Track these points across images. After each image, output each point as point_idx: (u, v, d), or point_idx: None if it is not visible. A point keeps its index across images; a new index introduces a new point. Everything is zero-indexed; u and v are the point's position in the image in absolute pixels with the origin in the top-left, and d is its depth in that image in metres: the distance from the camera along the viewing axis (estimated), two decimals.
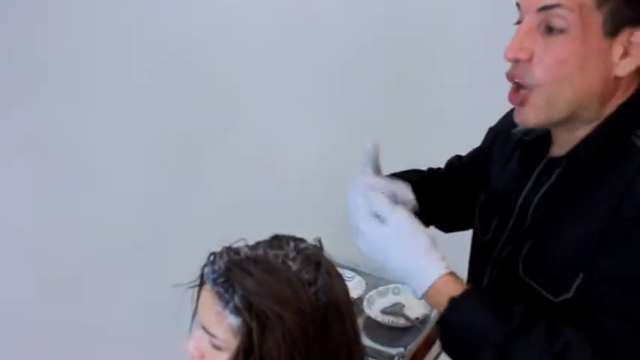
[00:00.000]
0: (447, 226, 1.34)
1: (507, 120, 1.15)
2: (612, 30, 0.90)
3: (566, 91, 0.93)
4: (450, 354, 1.02)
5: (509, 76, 0.97)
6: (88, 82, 1.53)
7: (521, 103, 0.96)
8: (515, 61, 0.94)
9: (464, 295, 0.94)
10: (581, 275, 0.93)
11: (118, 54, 1.57)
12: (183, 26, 1.67)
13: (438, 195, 1.28)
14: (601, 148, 0.95)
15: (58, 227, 1.54)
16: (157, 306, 1.53)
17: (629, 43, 0.91)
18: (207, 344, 0.92)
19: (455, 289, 0.94)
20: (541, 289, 0.98)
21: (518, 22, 0.96)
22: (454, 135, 2.22)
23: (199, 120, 1.76)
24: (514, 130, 1.08)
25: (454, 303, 0.94)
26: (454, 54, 2.27)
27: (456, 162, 1.36)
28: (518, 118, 0.99)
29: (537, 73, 0.93)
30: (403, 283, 1.02)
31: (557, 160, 1.01)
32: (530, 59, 0.93)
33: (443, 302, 0.94)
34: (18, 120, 1.44)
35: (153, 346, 1.66)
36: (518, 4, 0.96)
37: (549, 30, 0.91)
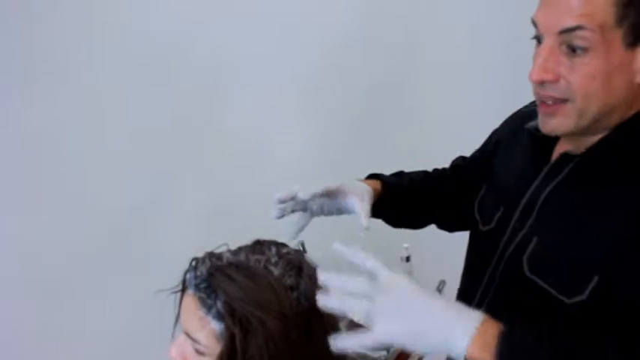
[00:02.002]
0: (454, 227, 1.36)
1: (517, 115, 1.19)
2: (633, 41, 0.91)
3: (595, 104, 0.94)
4: None
5: (537, 96, 0.98)
6: (76, 79, 1.52)
7: (552, 113, 0.98)
8: (541, 83, 0.96)
9: (510, 328, 0.84)
10: (596, 278, 0.92)
11: (105, 51, 1.56)
12: (169, 24, 1.66)
13: (444, 197, 1.30)
14: (620, 150, 0.96)
15: (41, 229, 1.53)
16: (140, 311, 1.52)
17: None
18: (190, 349, 0.93)
19: (496, 328, 0.84)
20: (550, 289, 0.97)
21: (535, 38, 0.97)
22: (439, 134, 2.23)
23: (185, 120, 1.76)
24: (528, 125, 1.10)
25: (504, 335, 0.82)
26: (439, 51, 2.27)
27: (461, 163, 1.36)
28: (546, 127, 1.00)
29: (566, 92, 0.94)
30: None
31: (570, 157, 1.02)
32: (556, 80, 0.94)
33: (490, 341, 0.82)
34: None
35: (136, 351, 1.66)
36: (534, 22, 0.96)
37: (572, 50, 0.92)
